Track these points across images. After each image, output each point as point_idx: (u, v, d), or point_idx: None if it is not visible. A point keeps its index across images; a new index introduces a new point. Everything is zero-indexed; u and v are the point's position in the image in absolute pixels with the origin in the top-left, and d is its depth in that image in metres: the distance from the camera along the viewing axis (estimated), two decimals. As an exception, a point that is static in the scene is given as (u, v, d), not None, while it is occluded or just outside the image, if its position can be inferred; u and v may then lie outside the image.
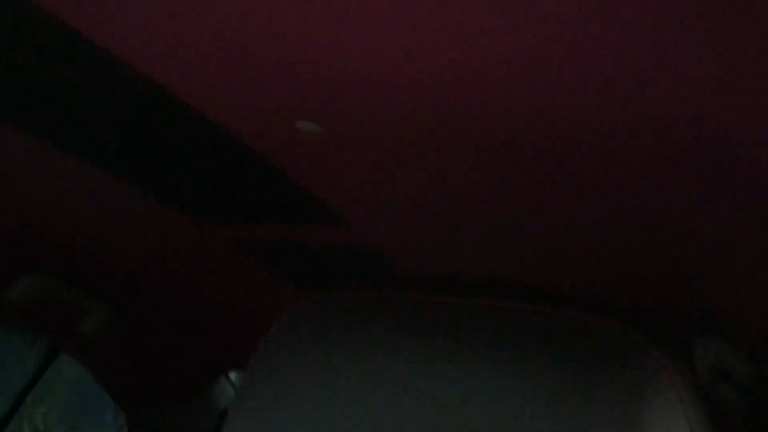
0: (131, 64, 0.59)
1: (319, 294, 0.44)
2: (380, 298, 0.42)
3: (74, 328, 1.57)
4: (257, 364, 0.45)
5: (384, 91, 0.53)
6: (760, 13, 0.33)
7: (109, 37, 0.56)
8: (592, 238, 0.84)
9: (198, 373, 2.00)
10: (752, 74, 0.37)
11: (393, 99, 0.53)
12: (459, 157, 0.61)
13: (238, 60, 0.55)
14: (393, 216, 0.99)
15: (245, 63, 0.55)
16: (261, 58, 0.53)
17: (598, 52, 0.38)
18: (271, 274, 1.30)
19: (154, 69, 0.59)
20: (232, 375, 2.15)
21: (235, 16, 0.46)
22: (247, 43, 0.51)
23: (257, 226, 1.10)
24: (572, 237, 0.86)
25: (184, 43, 0.54)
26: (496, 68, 0.42)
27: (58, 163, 0.96)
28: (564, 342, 0.37)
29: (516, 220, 0.84)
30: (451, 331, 0.40)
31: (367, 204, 0.94)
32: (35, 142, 0.90)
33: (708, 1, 0.34)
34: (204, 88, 0.62)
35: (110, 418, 7.11)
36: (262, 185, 0.96)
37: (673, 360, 0.37)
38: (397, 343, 0.39)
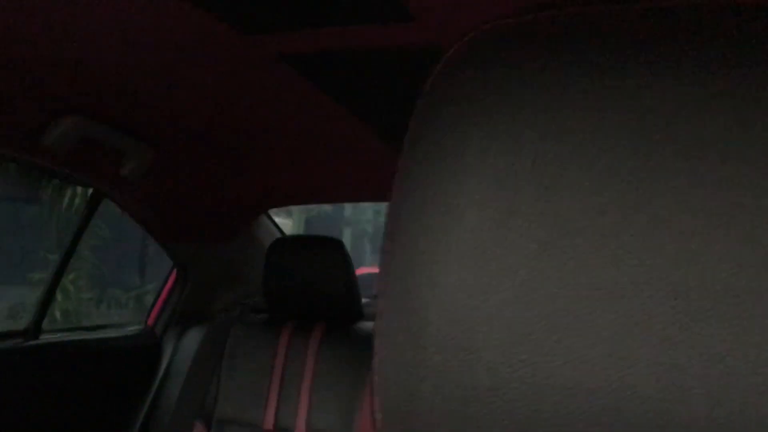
0: None
1: (496, 19, 0.36)
2: (573, 13, 0.35)
3: (115, 172, 1.53)
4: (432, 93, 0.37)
5: None
6: None
7: None
8: None
9: (240, 211, 2.00)
10: None
11: None
12: None
13: None
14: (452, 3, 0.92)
15: None
16: None
17: None
18: (315, 91, 1.24)
19: None
20: (272, 213, 2.16)
21: None
22: None
23: (308, 31, 1.03)
24: None
25: None
26: None
27: None
28: None
29: None
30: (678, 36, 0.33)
31: None
32: None
33: None
34: None
35: (137, 279, 7.29)
36: None
37: None
38: (621, 55, 0.33)
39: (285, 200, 2.05)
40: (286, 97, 1.28)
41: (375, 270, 3.24)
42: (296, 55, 1.11)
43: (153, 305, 2.04)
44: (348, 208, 13.57)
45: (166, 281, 2.05)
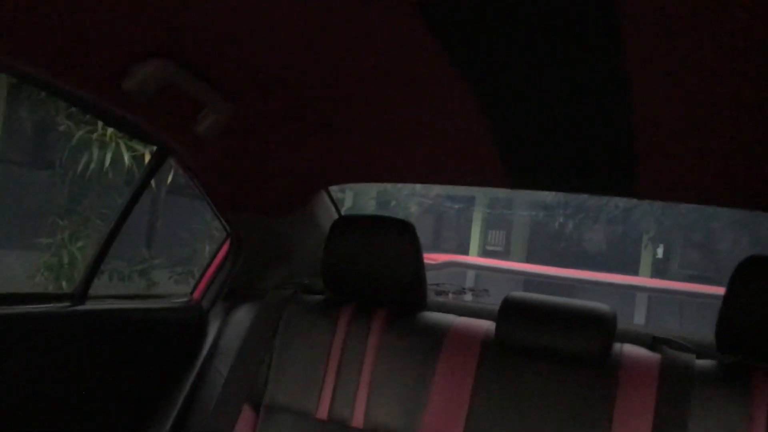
0: None
1: None
2: None
3: (188, 129, 1.40)
4: None
5: None
6: None
7: None
8: None
9: (304, 183, 1.87)
10: None
11: None
12: None
13: None
14: None
15: None
16: None
17: None
18: (436, 50, 1.10)
19: None
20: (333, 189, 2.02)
21: None
22: None
23: None
24: None
25: None
26: None
27: None
28: None
29: None
30: None
31: None
32: None
33: None
34: None
35: (144, 252, 7.13)
36: None
37: None
38: None
39: (352, 176, 1.92)
40: (399, 55, 1.15)
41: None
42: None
43: (200, 278, 1.90)
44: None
45: (215, 253, 1.91)
